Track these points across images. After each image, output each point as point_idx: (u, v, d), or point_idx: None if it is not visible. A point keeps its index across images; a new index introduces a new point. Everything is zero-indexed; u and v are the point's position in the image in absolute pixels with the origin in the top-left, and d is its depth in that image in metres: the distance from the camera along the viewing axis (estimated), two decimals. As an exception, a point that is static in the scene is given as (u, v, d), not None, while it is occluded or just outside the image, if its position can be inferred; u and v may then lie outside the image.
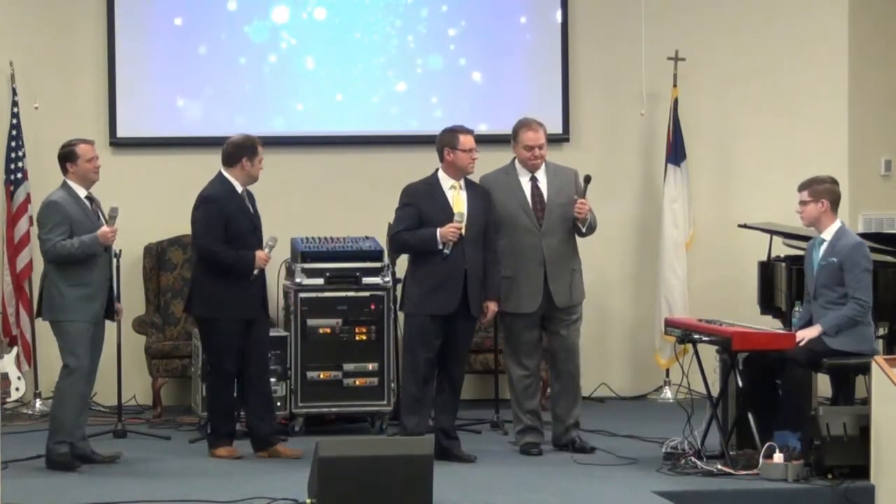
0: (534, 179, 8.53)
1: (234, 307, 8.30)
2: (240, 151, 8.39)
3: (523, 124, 8.59)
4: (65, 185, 8.22)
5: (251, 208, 8.44)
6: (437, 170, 8.40)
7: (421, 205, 8.30)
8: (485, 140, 10.34)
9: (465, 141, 8.32)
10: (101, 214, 8.26)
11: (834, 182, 8.23)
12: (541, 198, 8.48)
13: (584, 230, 8.49)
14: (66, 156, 8.22)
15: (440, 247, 8.21)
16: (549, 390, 8.85)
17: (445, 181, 8.36)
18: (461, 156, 8.30)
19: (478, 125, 10.20)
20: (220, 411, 8.50)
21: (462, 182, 8.37)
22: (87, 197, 8.23)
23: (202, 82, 10.53)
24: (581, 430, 8.67)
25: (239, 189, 8.39)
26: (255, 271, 8.28)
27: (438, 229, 8.19)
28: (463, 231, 8.21)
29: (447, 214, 8.25)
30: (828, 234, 8.13)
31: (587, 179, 8.48)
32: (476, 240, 8.29)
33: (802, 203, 8.18)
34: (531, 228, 8.45)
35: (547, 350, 8.64)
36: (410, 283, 8.39)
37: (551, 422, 8.68)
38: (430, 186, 8.36)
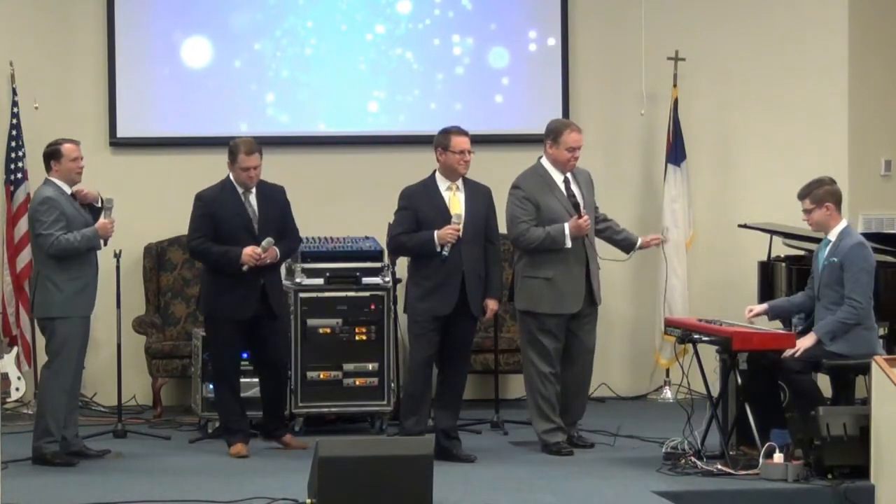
0: (566, 181, 8.54)
1: (228, 306, 8.37)
2: (230, 154, 8.49)
3: (566, 125, 8.63)
4: (50, 183, 8.25)
5: (251, 208, 8.44)
6: (435, 171, 8.40)
7: (418, 207, 8.30)
8: (484, 140, 10.39)
9: (457, 142, 8.30)
10: (86, 211, 8.32)
11: (832, 182, 8.20)
12: (575, 199, 8.50)
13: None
14: (51, 154, 8.28)
15: (438, 249, 8.21)
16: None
17: (442, 182, 8.36)
18: (451, 157, 8.29)
19: (480, 125, 10.25)
20: (222, 409, 8.59)
21: (460, 182, 8.37)
22: (71, 194, 8.28)
23: (204, 82, 10.53)
24: (581, 429, 8.76)
25: (240, 189, 8.42)
26: (244, 268, 8.29)
27: (436, 232, 8.20)
28: (460, 232, 8.22)
29: (444, 216, 8.24)
30: (833, 235, 8.11)
31: (576, 206, 8.48)
32: (474, 240, 8.29)
33: (806, 211, 8.14)
34: None
35: (566, 349, 8.61)
36: (410, 284, 8.41)
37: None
38: (427, 188, 8.36)
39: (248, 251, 8.30)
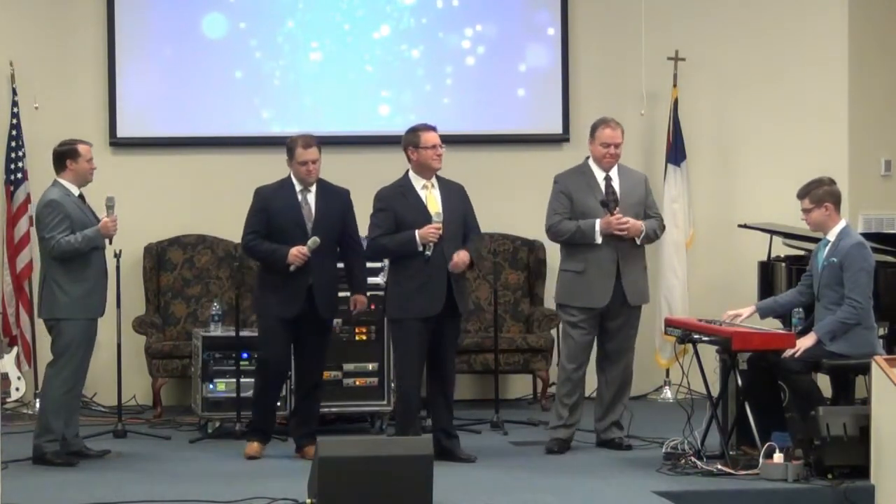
0: (608, 178, 8.54)
1: (274, 305, 8.32)
2: (287, 150, 8.40)
3: (602, 122, 8.66)
4: (58, 185, 8.24)
5: (307, 206, 8.34)
6: (408, 171, 8.36)
7: (395, 208, 8.24)
8: (485, 140, 10.41)
9: (427, 138, 8.28)
10: (92, 212, 8.30)
11: (831, 182, 8.20)
12: (615, 196, 8.49)
13: (639, 241, 8.53)
14: (68, 153, 8.24)
15: (420, 249, 8.19)
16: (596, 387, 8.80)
17: (417, 181, 8.31)
18: (424, 153, 8.27)
19: (481, 125, 10.25)
20: (254, 407, 8.53)
21: (434, 181, 8.35)
22: (79, 196, 8.27)
23: (204, 81, 10.53)
24: (621, 431, 8.68)
25: (297, 186, 8.37)
26: (291, 267, 8.23)
27: (417, 231, 8.17)
28: (441, 230, 8.19)
29: (423, 215, 8.21)
30: (832, 235, 8.10)
31: (604, 204, 8.47)
32: (455, 237, 8.26)
33: (805, 210, 8.14)
34: None
35: (606, 351, 8.62)
36: (393, 287, 8.34)
37: (596, 418, 8.70)
38: (402, 188, 8.31)
39: (294, 251, 8.22)
